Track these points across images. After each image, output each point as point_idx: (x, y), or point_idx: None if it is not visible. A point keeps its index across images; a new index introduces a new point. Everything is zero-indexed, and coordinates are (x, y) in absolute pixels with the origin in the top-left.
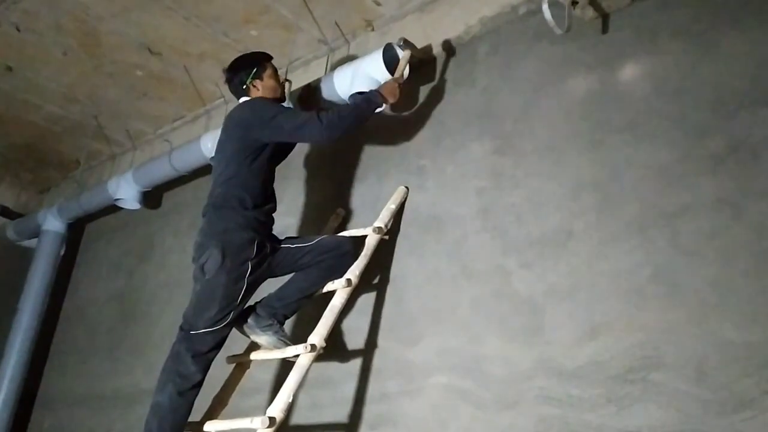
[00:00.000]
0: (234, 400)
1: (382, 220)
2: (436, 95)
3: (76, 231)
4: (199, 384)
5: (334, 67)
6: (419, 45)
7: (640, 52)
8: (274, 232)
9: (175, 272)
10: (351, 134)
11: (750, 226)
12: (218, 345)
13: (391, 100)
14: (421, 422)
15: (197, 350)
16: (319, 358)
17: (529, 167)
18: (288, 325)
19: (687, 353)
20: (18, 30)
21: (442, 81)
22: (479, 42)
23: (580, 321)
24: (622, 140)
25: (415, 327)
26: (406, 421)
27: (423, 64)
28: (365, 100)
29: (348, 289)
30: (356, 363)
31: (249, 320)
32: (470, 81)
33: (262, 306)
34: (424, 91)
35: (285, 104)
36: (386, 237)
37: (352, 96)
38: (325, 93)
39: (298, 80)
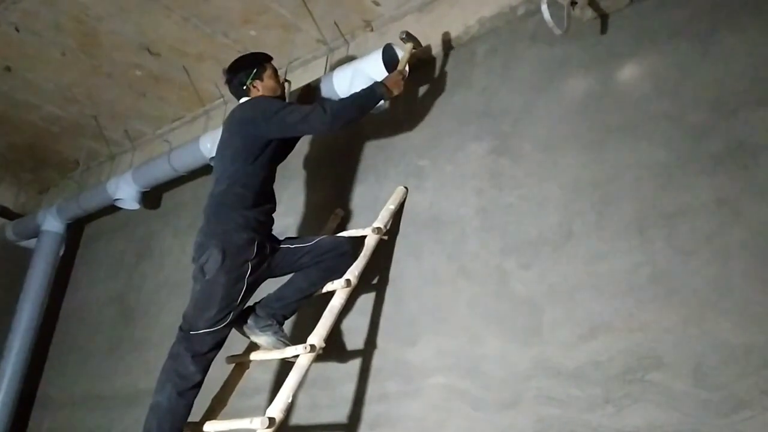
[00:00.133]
0: (233, 400)
1: (382, 220)
2: (435, 95)
3: (75, 231)
4: (199, 384)
5: (333, 68)
6: None
7: (639, 52)
8: (273, 232)
9: (174, 272)
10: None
11: (749, 226)
12: (218, 345)
13: (396, 92)
14: (420, 422)
15: (197, 350)
16: (318, 359)
17: (528, 167)
18: (287, 325)
19: (686, 353)
20: (17, 30)
21: (441, 81)
22: (478, 42)
23: (579, 321)
24: (621, 140)
25: (415, 327)
26: (406, 421)
27: (422, 64)
28: (370, 91)
29: (347, 290)
30: (355, 363)
31: (248, 321)
32: (469, 81)
33: (262, 306)
34: (422, 91)
35: None
36: (385, 237)
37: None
38: (325, 93)
39: (297, 80)
